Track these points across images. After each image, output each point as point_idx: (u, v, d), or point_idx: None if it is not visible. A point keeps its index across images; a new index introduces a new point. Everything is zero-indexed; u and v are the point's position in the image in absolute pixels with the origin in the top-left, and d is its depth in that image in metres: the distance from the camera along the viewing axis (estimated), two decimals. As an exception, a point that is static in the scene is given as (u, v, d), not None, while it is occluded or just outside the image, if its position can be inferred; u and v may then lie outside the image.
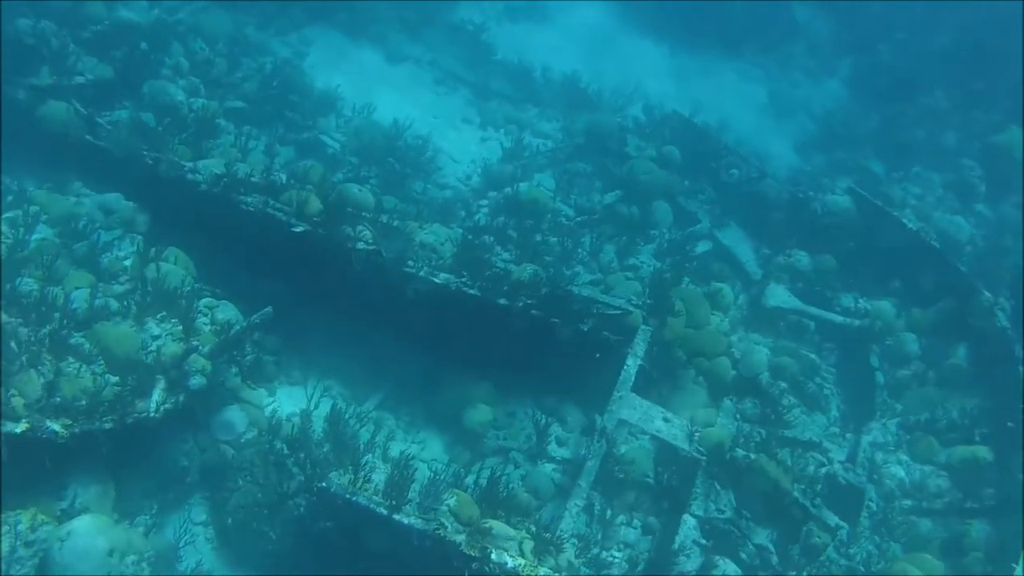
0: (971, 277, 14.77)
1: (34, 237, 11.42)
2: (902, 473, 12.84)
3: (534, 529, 9.69)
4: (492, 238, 14.49)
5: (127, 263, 11.33)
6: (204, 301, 11.26)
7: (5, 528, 8.91)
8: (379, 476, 9.76)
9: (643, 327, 12.30)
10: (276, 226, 11.81)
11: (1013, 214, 18.42)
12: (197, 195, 12.02)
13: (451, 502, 9.56)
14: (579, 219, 15.76)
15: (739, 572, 10.79)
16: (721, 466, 11.55)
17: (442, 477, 9.80)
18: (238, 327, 11.01)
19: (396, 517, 9.24)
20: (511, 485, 11.49)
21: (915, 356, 14.44)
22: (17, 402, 9.01)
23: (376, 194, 13.96)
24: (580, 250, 14.95)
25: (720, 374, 13.03)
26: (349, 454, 10.24)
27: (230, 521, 10.69)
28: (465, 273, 11.80)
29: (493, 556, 9.09)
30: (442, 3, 21.42)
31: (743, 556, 10.99)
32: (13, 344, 9.32)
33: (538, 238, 14.92)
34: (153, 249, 11.52)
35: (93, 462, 9.77)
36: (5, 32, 12.91)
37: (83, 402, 9.32)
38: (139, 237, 11.91)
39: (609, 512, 11.47)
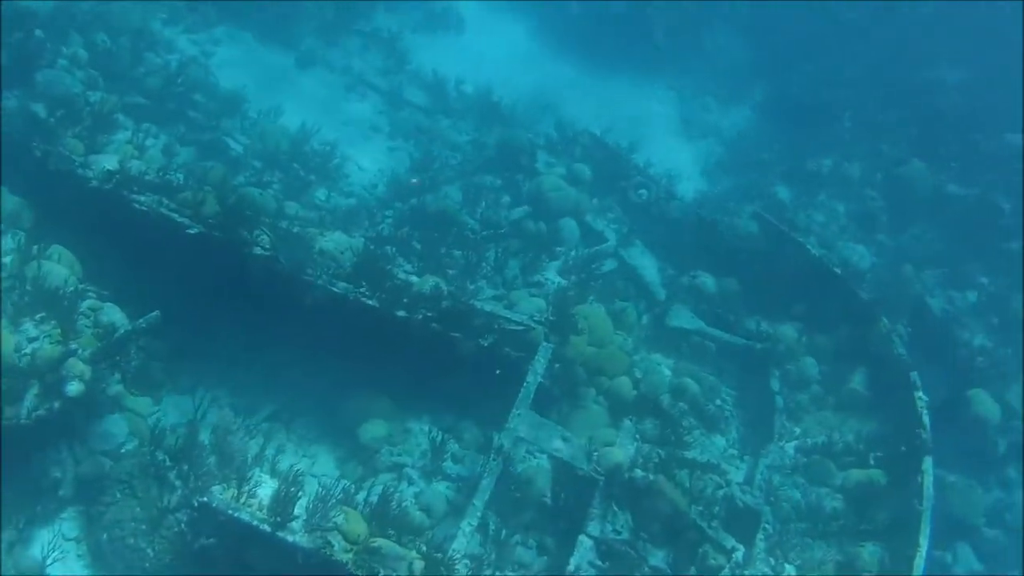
0: (871, 304, 14.97)
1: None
2: (798, 495, 12.89)
3: (425, 549, 9.41)
4: (395, 249, 14.19)
5: (7, 260, 10.73)
6: (88, 303, 10.69)
7: None
8: (266, 491, 9.40)
9: (545, 344, 12.13)
10: (170, 227, 11.38)
11: (912, 245, 18.84)
12: (87, 192, 11.51)
13: (339, 519, 9.25)
14: (485, 233, 15.54)
15: (634, 594, 10.70)
16: (619, 487, 11.40)
17: (332, 493, 9.46)
18: (123, 331, 10.50)
19: (280, 534, 8.90)
20: (404, 503, 11.23)
21: (815, 380, 14.58)
22: None
23: (278, 199, 13.66)
24: (484, 264, 14.73)
25: (621, 394, 12.94)
26: (235, 467, 9.84)
27: (105, 537, 10.15)
28: (364, 283, 11.49)
29: (380, 576, 8.81)
30: (358, 10, 21.15)
31: (638, 578, 10.87)
32: None
33: (442, 251, 14.66)
34: (36, 246, 10.93)
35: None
36: None
37: (-55, 406, 8.77)
38: (21, 234, 11.30)
39: (504, 532, 11.25)
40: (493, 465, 11.00)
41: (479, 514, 10.70)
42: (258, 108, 17.08)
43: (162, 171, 12.13)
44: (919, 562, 11.21)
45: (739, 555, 11.50)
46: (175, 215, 11.37)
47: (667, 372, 13.91)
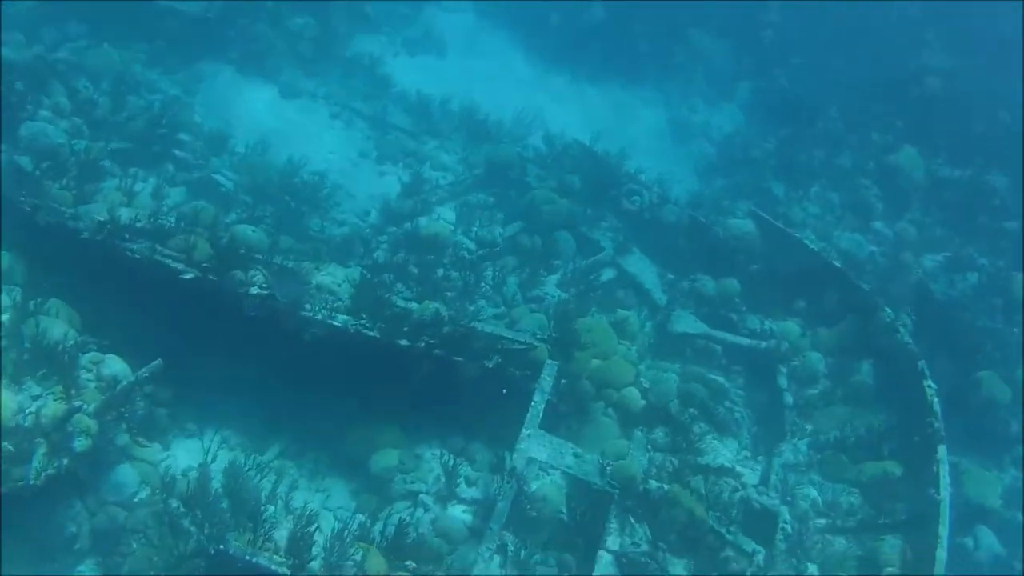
0: (872, 295, 14.92)
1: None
2: (815, 493, 12.81)
3: (444, 579, 9.35)
4: (392, 276, 14.16)
5: (3, 318, 10.67)
6: (89, 356, 10.64)
7: None
8: (281, 533, 9.34)
9: (549, 361, 12.08)
10: (165, 273, 11.31)
11: (910, 231, 18.80)
12: (80, 243, 11.45)
13: (358, 557, 9.19)
14: (481, 252, 15.50)
15: (657, 606, 10.64)
16: (635, 499, 11.35)
17: (348, 530, 9.40)
18: (126, 382, 10.45)
19: (299, 576, 8.83)
20: (420, 530, 11.20)
21: (822, 375, 14.51)
22: None
23: (271, 234, 13.62)
24: (483, 284, 14.70)
25: (629, 405, 12.87)
26: (249, 510, 9.78)
27: (124, 588, 10.13)
28: (364, 315, 11.45)
29: (402, 611, 8.74)
30: (338, 37, 21.15)
31: (660, 589, 10.81)
32: None
33: (440, 273, 14.63)
34: (32, 302, 10.88)
35: (-32, 535, 9.16)
36: None
37: (-47, 472, 8.70)
38: (16, 289, 11.24)
39: (523, 552, 11.16)
40: (507, 488, 10.94)
41: (497, 537, 10.65)
42: (245, 143, 17.03)
43: (153, 216, 12.06)
44: (941, 553, 11.12)
45: (760, 557, 11.45)
46: (169, 261, 11.31)
47: (674, 378, 13.81)
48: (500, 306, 14.52)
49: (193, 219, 12.73)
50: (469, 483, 12.15)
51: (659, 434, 12.81)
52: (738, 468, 12.77)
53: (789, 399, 13.91)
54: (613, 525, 11.10)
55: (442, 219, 16.19)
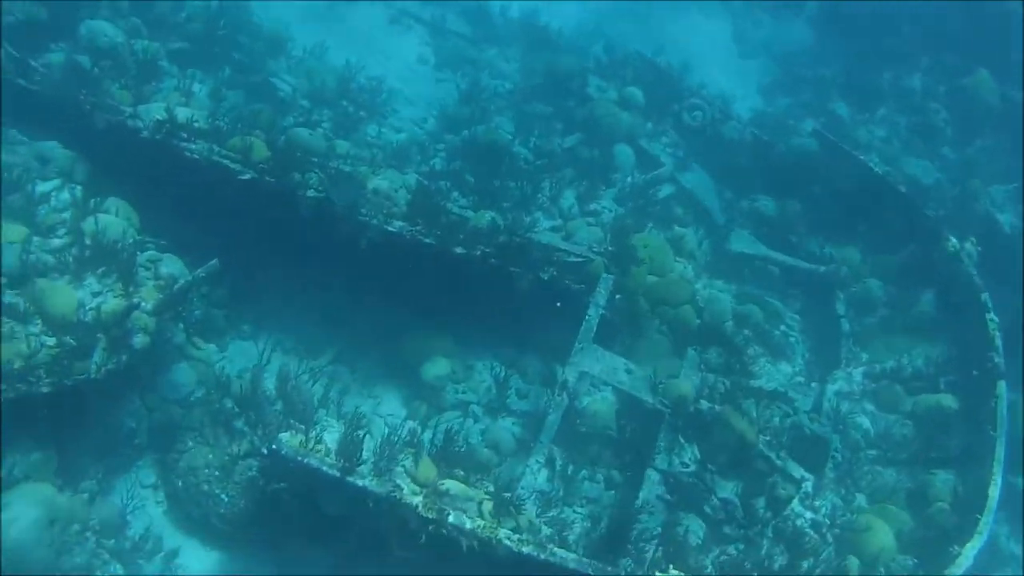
0: (937, 222, 14.53)
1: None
2: (867, 423, 12.68)
3: (492, 489, 9.38)
4: (448, 183, 14.04)
5: (65, 215, 10.72)
6: (147, 254, 10.66)
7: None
8: (332, 435, 9.42)
9: (605, 275, 11.95)
10: (222, 174, 11.26)
11: (979, 158, 18.20)
12: (139, 142, 11.41)
13: (407, 463, 9.25)
14: (538, 163, 15.24)
15: (703, 526, 10.64)
16: (685, 418, 11.31)
17: (398, 435, 9.45)
18: (183, 281, 10.47)
19: (350, 479, 8.90)
20: (471, 440, 11.28)
21: (881, 303, 14.24)
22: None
23: (329, 138, 13.50)
24: (540, 195, 14.45)
25: (685, 323, 12.73)
26: (301, 413, 9.87)
27: (180, 484, 10.34)
28: (420, 221, 11.35)
29: (451, 518, 8.81)
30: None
31: (707, 510, 10.80)
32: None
33: (496, 183, 14.43)
34: (93, 200, 10.89)
35: (32, 428, 9.33)
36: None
37: (16, 365, 8.81)
38: (78, 187, 11.27)
39: (571, 467, 11.23)
40: (558, 401, 10.95)
41: (546, 451, 10.69)
42: (303, 46, 16.82)
43: (211, 117, 11.99)
44: (994, 491, 10.98)
45: (808, 485, 11.43)
46: (227, 161, 11.25)
47: (730, 299, 13.64)
48: (556, 218, 14.33)
49: (251, 121, 12.62)
50: (520, 395, 12.20)
51: (712, 354, 12.64)
52: (791, 393, 12.66)
53: (846, 326, 13.70)
54: (662, 444, 11.09)
55: (500, 128, 15.92)
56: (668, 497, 10.74)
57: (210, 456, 10.30)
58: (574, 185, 14.99)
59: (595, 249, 12.31)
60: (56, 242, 10.33)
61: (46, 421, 9.40)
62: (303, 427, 9.31)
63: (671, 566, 9.45)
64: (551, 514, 9.88)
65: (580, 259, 11.98)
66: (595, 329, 11.53)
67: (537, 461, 10.56)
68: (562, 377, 11.16)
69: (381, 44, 18.29)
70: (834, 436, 12.08)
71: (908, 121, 19.23)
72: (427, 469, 9.29)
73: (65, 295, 9.49)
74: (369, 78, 16.33)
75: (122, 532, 9.89)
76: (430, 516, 8.83)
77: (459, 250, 11.38)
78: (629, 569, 9.25)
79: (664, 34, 20.87)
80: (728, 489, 10.97)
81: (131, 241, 10.51)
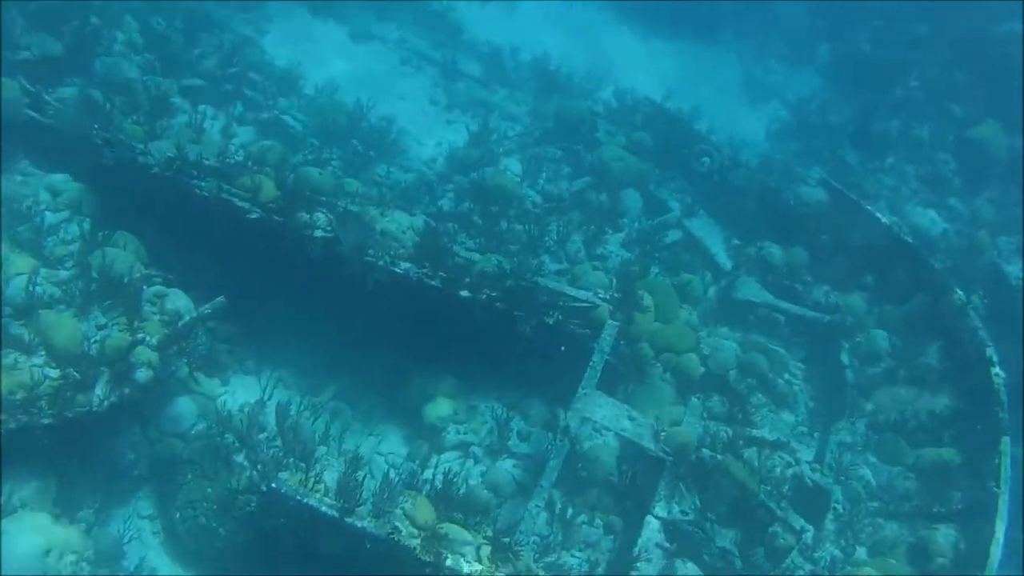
0: (944, 274, 14.49)
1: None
2: (869, 475, 12.59)
3: (491, 533, 9.34)
4: (456, 225, 14.10)
5: (73, 247, 10.82)
6: (154, 289, 10.74)
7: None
8: (332, 475, 9.40)
9: (610, 321, 11.95)
10: (231, 212, 11.36)
11: (987, 209, 18.19)
12: (149, 178, 11.53)
13: (407, 505, 9.22)
14: (546, 206, 15.33)
15: (701, 574, 10.55)
16: (687, 466, 11.25)
17: (398, 476, 9.44)
18: (188, 318, 10.54)
19: (348, 520, 8.89)
20: (470, 481, 11.24)
21: (886, 353, 14.15)
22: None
23: (338, 177, 13.61)
24: (547, 238, 14.49)
25: (688, 371, 12.68)
26: (300, 451, 9.85)
27: (178, 516, 10.37)
28: (427, 263, 11.40)
29: (448, 562, 8.77)
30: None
31: (706, 559, 10.71)
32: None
33: (504, 225, 14.50)
34: (101, 233, 11.01)
35: (32, 457, 9.36)
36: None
37: (19, 396, 8.85)
38: (86, 220, 11.37)
39: (570, 511, 11.17)
40: (560, 446, 10.90)
41: (546, 495, 10.64)
42: (314, 84, 17.02)
43: (221, 154, 12.10)
44: (995, 549, 10.87)
45: (808, 536, 11.32)
46: (235, 200, 11.35)
47: (735, 347, 13.59)
48: (563, 262, 14.36)
49: (260, 158, 12.75)
50: (521, 437, 12.17)
51: (715, 402, 12.58)
52: (793, 443, 12.58)
53: (850, 376, 13.63)
54: (663, 492, 11.03)
55: (509, 170, 16.02)
56: (667, 545, 10.66)
57: (209, 490, 10.30)
58: (582, 229, 15.04)
59: (600, 295, 12.31)
60: (63, 274, 10.47)
61: (46, 451, 9.41)
62: (303, 465, 9.31)
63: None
64: (549, 559, 9.82)
65: (586, 304, 11.99)
66: (599, 375, 11.49)
67: (537, 504, 10.47)
68: (564, 421, 11.11)
69: (392, 84, 18.43)
70: (836, 487, 12.02)
71: (916, 170, 19.25)
72: (426, 511, 9.26)
73: (70, 327, 9.56)
74: (380, 117, 16.46)
75: (118, 562, 9.91)
76: (428, 559, 8.80)
77: (465, 293, 11.42)
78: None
79: (674, 79, 20.97)
80: (728, 538, 10.89)
81: (138, 275, 10.61)
